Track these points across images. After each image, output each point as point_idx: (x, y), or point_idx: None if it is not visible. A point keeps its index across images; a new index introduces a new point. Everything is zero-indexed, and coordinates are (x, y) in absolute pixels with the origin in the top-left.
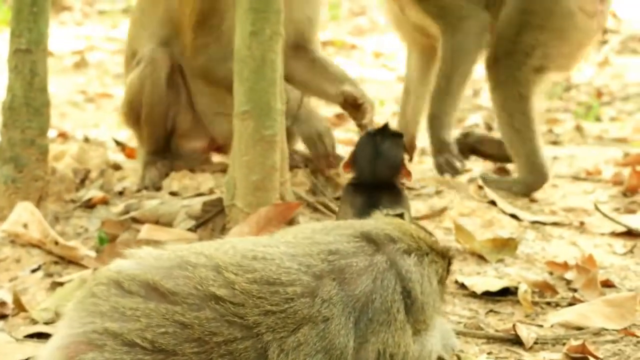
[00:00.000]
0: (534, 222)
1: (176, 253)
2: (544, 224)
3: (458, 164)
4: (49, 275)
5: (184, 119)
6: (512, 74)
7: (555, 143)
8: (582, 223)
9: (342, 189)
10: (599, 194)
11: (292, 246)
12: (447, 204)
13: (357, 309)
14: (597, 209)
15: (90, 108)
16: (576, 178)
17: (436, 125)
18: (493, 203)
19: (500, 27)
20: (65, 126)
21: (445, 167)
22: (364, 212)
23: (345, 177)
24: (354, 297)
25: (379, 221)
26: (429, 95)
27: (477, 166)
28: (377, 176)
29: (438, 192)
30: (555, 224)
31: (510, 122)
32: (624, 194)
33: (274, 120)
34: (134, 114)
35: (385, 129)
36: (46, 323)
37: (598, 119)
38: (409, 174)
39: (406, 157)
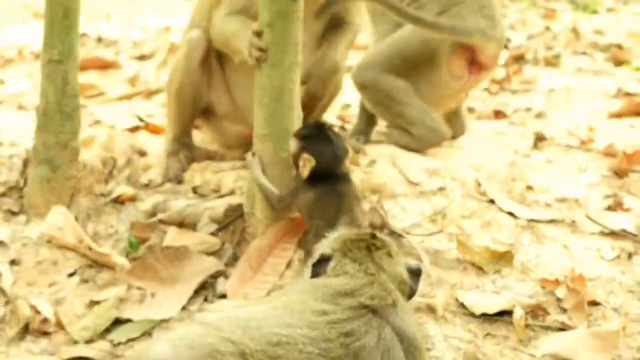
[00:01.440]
0: (530, 221)
1: (207, 340)
2: (539, 222)
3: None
4: (85, 281)
5: (222, 102)
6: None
7: (550, 49)
8: (573, 222)
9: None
10: (592, 174)
11: (312, 328)
12: (448, 204)
13: None
14: (588, 217)
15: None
16: (570, 147)
17: None
18: (492, 201)
19: None
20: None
21: None
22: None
23: None
24: None
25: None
26: None
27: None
28: (337, 164)
29: (441, 190)
30: (550, 221)
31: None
32: (616, 173)
33: None
34: (168, 94)
35: (325, 124)
36: (87, 342)
37: (595, 11)
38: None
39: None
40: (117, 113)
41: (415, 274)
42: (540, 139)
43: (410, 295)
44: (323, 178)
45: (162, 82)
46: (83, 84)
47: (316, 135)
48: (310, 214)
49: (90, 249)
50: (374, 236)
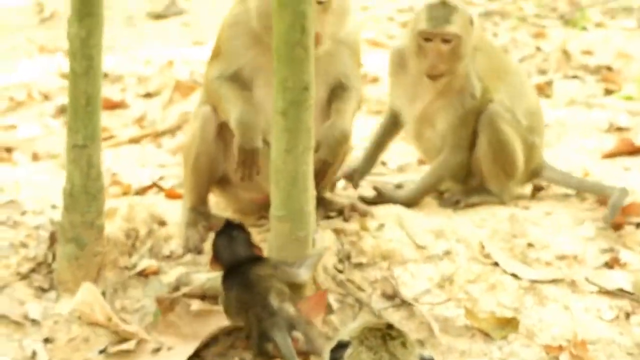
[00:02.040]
0: (532, 282)
1: None
2: (541, 282)
3: None
4: (116, 355)
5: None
6: None
7: (542, 72)
8: (573, 281)
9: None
10: (588, 227)
11: None
12: (455, 269)
13: None
14: (587, 280)
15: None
16: (567, 196)
17: None
18: (496, 263)
19: None
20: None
21: None
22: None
23: None
24: None
25: None
26: None
27: None
28: (236, 255)
29: (447, 253)
30: (551, 281)
31: None
32: (612, 226)
33: (307, 223)
34: (185, 165)
35: (227, 224)
36: None
37: (584, 28)
38: (259, 248)
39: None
40: (129, 163)
41: None
42: (537, 189)
43: None
44: (232, 274)
45: (168, 122)
46: None
47: (219, 233)
48: (229, 314)
49: (119, 325)
50: (389, 326)
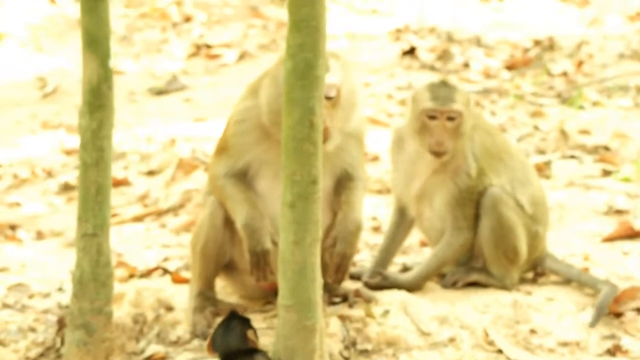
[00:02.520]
0: None
1: None
2: None
3: None
4: None
5: (243, 258)
6: None
7: (541, 152)
8: None
9: None
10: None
11: None
12: (459, 357)
13: None
14: None
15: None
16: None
17: None
18: (500, 351)
19: None
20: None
21: None
22: None
23: None
24: None
25: None
26: None
27: None
28: (229, 347)
29: (451, 340)
30: None
31: None
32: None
33: (314, 312)
34: (193, 251)
35: (232, 314)
36: None
37: (581, 106)
38: (254, 342)
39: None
40: (134, 243)
41: None
42: (539, 274)
43: None
44: None
45: (171, 200)
46: None
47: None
48: None
49: None
50: None
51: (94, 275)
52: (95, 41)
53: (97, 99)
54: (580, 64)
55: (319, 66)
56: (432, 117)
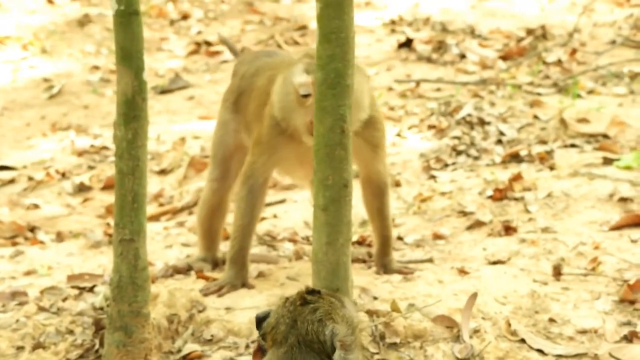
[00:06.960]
0: (557, 357)
1: None
2: (566, 357)
3: None
4: None
5: None
6: None
7: (542, 142)
8: (596, 355)
9: None
10: (605, 301)
11: None
12: (484, 347)
13: None
14: (610, 355)
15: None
16: (585, 274)
17: None
18: (523, 340)
19: None
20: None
21: None
22: None
23: None
24: None
25: None
26: None
27: None
28: None
29: (475, 332)
30: (574, 356)
31: None
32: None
33: None
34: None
35: None
36: None
37: (578, 95)
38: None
39: None
40: (155, 242)
41: None
42: (558, 272)
43: None
44: None
45: (185, 199)
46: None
47: None
48: None
49: None
50: (312, 291)
51: (132, 278)
52: (129, 55)
53: (132, 111)
54: (573, 52)
55: (348, 75)
56: None
